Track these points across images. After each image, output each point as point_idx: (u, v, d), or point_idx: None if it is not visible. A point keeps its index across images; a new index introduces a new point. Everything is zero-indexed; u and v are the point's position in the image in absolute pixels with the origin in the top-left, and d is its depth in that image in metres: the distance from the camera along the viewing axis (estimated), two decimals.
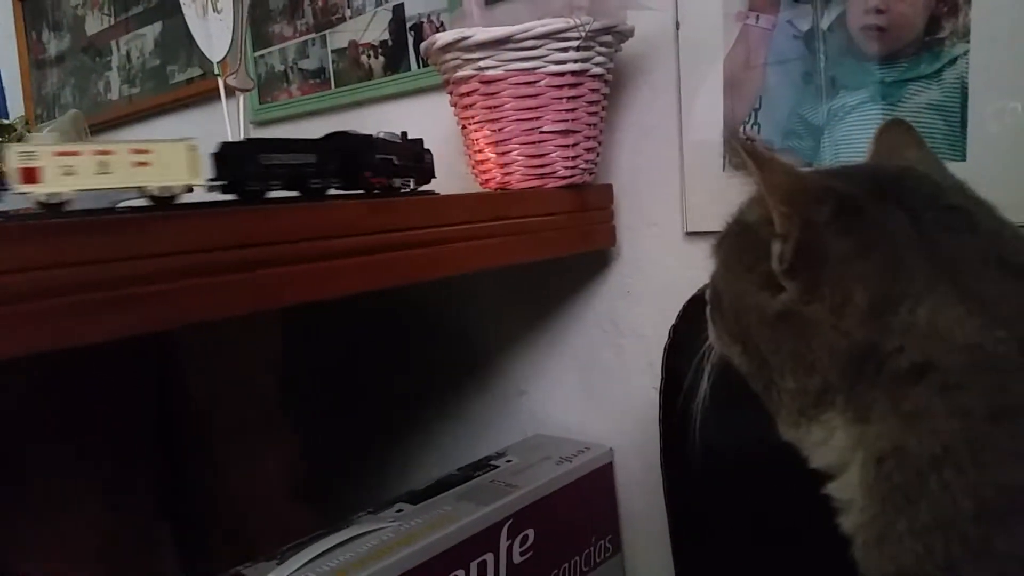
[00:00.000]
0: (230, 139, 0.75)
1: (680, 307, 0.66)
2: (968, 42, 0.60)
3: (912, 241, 0.33)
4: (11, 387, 0.68)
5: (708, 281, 0.45)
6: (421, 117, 1.00)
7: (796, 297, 0.35)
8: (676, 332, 0.61)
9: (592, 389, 0.89)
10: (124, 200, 0.82)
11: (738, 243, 0.41)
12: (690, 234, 0.77)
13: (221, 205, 0.54)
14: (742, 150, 0.36)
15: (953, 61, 0.61)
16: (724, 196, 0.73)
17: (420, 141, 0.70)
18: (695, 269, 0.75)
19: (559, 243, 0.75)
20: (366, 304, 1.06)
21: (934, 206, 0.35)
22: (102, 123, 1.52)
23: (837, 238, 0.34)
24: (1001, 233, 0.34)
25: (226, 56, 0.75)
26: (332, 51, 1.10)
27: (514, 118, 0.70)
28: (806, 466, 0.38)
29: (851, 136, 0.67)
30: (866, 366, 0.34)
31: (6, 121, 0.98)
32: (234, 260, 0.48)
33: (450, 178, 0.90)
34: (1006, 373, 0.31)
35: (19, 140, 0.94)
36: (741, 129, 0.72)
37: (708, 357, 0.44)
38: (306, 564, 0.61)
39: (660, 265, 0.80)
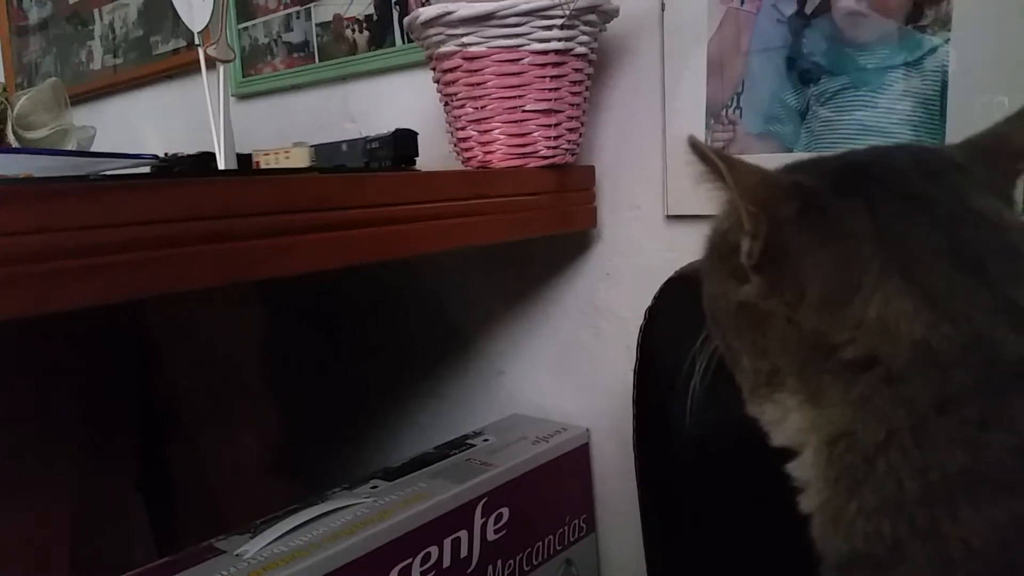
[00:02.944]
0: (211, 109, 0.75)
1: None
2: (950, 31, 0.60)
3: (868, 234, 0.34)
4: None
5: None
6: (405, 93, 0.99)
7: (758, 291, 0.37)
8: (652, 313, 0.61)
9: (570, 370, 0.89)
10: (103, 170, 0.81)
11: (715, 235, 0.42)
12: (671, 217, 0.77)
13: (196, 176, 0.53)
14: (710, 153, 0.37)
15: (934, 50, 0.61)
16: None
17: None
18: (676, 252, 0.76)
19: (539, 223, 0.75)
20: (346, 281, 1.06)
21: (895, 196, 0.35)
22: (84, 93, 1.50)
23: (799, 234, 0.35)
24: (962, 223, 0.34)
25: (207, 26, 0.74)
26: (316, 24, 1.08)
27: (496, 96, 0.69)
28: (770, 445, 0.39)
29: (832, 121, 0.67)
30: (814, 355, 0.35)
31: None
32: (207, 231, 0.47)
33: (432, 156, 0.90)
34: (948, 367, 0.32)
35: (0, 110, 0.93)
36: (723, 113, 0.72)
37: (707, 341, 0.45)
38: (279, 538, 0.61)
39: (640, 247, 0.81)
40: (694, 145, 0.39)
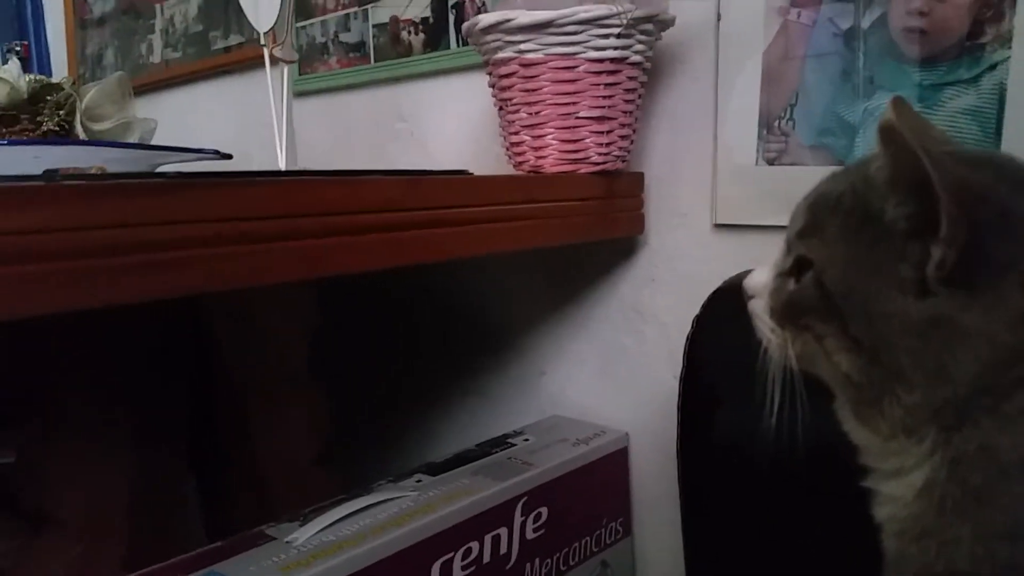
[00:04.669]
0: (274, 109, 0.77)
1: (704, 298, 0.67)
2: (1010, 49, 0.60)
3: None
4: (54, 337, 0.70)
5: (773, 275, 0.42)
6: (458, 96, 1.01)
7: (953, 304, 0.33)
8: (700, 323, 0.62)
9: (611, 374, 0.90)
10: (161, 164, 0.84)
11: (861, 239, 0.37)
12: (719, 226, 0.78)
13: (259, 175, 0.55)
14: (911, 141, 0.33)
15: (993, 67, 0.61)
16: (756, 190, 0.75)
17: None
18: (722, 261, 0.77)
19: (588, 228, 0.76)
20: (393, 279, 1.08)
21: None
22: (142, 85, 1.54)
23: (998, 241, 0.33)
24: None
25: (273, 26, 0.76)
26: (373, 25, 1.11)
27: (551, 102, 0.71)
28: (846, 461, 0.39)
29: None
30: (1006, 374, 0.33)
31: (53, 80, 1.00)
32: (270, 230, 0.49)
33: (485, 159, 0.91)
34: None
35: (68, 100, 0.96)
36: (776, 124, 0.73)
37: (769, 365, 0.42)
38: (327, 527, 0.63)
39: (687, 255, 0.81)
40: (890, 127, 0.35)
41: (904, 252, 0.35)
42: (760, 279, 0.43)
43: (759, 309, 0.43)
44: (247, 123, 1.17)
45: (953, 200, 0.32)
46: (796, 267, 0.40)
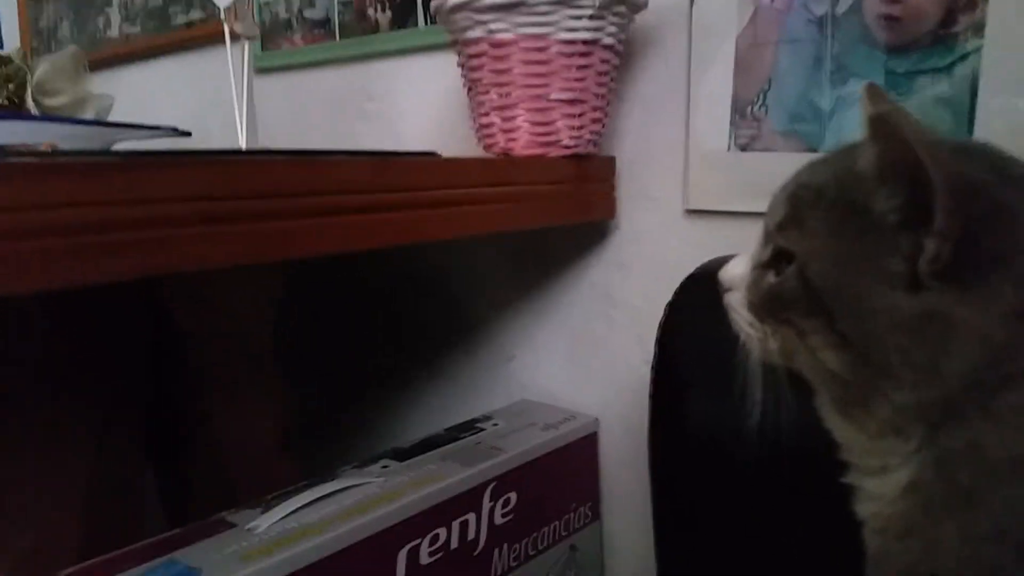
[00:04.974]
0: (234, 86, 0.75)
1: (675, 284, 0.66)
2: (982, 38, 0.60)
3: None
4: (3, 322, 0.67)
5: (749, 268, 0.41)
6: (427, 76, 0.99)
7: (945, 299, 0.33)
8: (672, 309, 0.61)
9: (581, 359, 0.90)
10: (117, 142, 0.81)
11: (847, 231, 0.36)
12: (690, 212, 0.77)
13: (221, 154, 0.53)
14: (907, 130, 0.32)
15: (965, 56, 0.61)
16: (728, 176, 0.74)
17: None
18: (693, 246, 0.76)
19: (559, 212, 0.75)
20: (359, 262, 1.06)
21: None
22: (99, 60, 1.49)
23: (991, 235, 0.32)
24: None
25: (234, 1, 0.73)
26: (339, 1, 1.08)
27: (522, 84, 0.69)
28: (825, 455, 0.38)
29: (858, 124, 0.67)
30: (996, 371, 0.32)
31: (2, 52, 0.95)
32: (232, 210, 0.48)
33: (454, 140, 0.90)
34: None
35: (18, 73, 0.92)
36: (749, 110, 0.72)
37: (747, 360, 0.41)
38: (291, 514, 0.61)
39: (658, 240, 0.81)
40: (882, 118, 0.34)
41: (894, 245, 0.34)
42: (737, 271, 0.42)
43: (736, 302, 0.41)
44: (208, 101, 1.14)
45: (949, 193, 0.31)
46: (776, 259, 0.39)
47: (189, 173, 0.46)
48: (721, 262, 0.45)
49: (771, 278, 0.39)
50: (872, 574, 0.35)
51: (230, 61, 0.75)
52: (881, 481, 0.36)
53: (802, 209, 0.38)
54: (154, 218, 0.44)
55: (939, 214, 0.31)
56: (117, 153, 0.51)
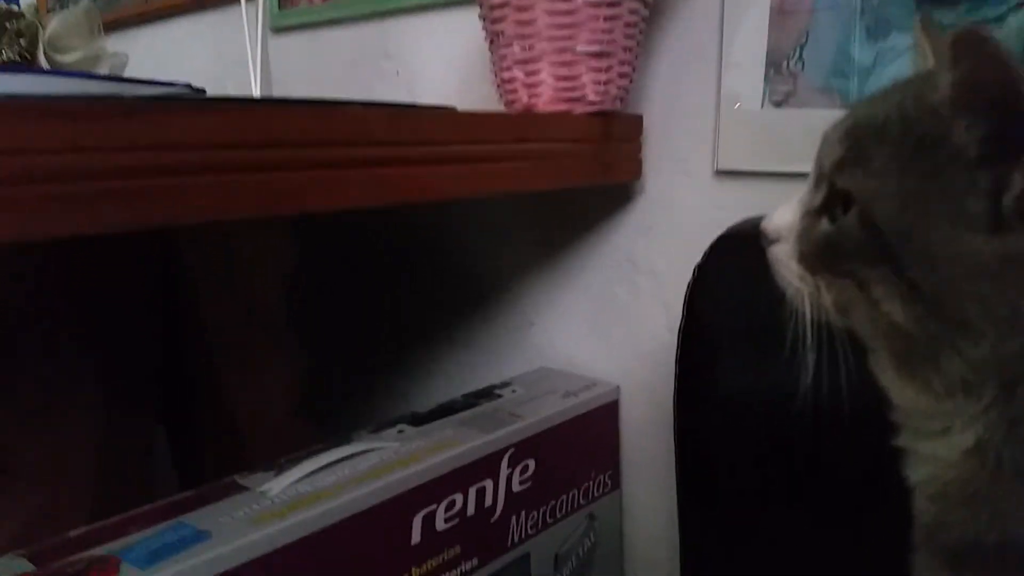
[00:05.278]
0: (248, 41, 0.72)
1: (703, 249, 0.63)
2: None
3: None
4: (15, 279, 0.66)
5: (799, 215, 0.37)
6: (446, 33, 0.96)
7: None
8: (702, 271, 0.58)
9: (602, 325, 0.88)
10: (135, 94, 0.79)
11: (918, 169, 0.32)
12: (720, 173, 0.74)
13: (227, 101, 0.51)
14: (991, 43, 0.29)
15: (1019, 5, 0.57)
16: (761, 134, 0.71)
17: None
18: (723, 209, 0.73)
19: (582, 173, 0.72)
20: (377, 223, 1.04)
21: None
22: (117, 20, 1.47)
23: None
24: None
25: None
26: None
27: (546, 35, 0.66)
28: (877, 419, 0.35)
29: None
30: None
31: (16, 8, 0.94)
32: (239, 160, 0.45)
33: (473, 100, 0.87)
34: None
35: (29, 28, 0.91)
36: (784, 65, 0.69)
37: (797, 318, 0.37)
38: (304, 477, 0.60)
39: (686, 204, 0.78)
40: (966, 36, 0.30)
41: (974, 182, 0.30)
42: (784, 219, 0.38)
43: (783, 255, 0.38)
44: (224, 62, 1.12)
45: None
46: (830, 204, 0.35)
47: (193, 120, 0.44)
48: (755, 222, 0.41)
49: (825, 225, 0.36)
50: (924, 544, 0.33)
51: (244, 17, 0.72)
52: (940, 443, 0.33)
53: (864, 146, 0.34)
54: (157, 167, 0.42)
55: None
56: (120, 98, 0.48)
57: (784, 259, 0.38)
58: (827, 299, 0.36)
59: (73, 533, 0.53)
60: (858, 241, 0.34)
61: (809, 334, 0.36)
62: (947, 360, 0.32)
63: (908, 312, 0.32)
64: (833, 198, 0.35)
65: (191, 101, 0.46)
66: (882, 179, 0.33)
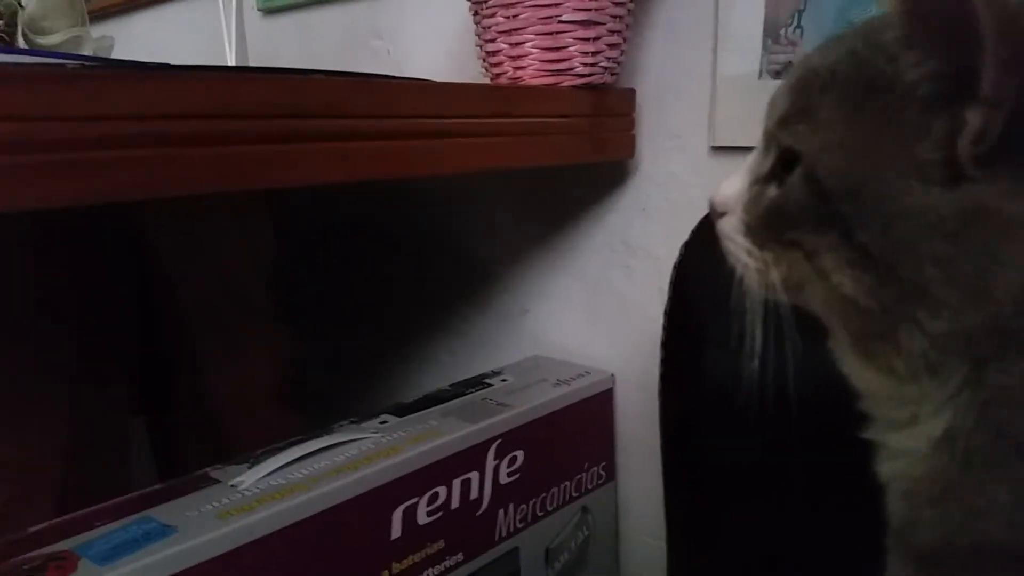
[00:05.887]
0: (223, 16, 0.69)
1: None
2: None
3: None
4: None
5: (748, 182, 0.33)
6: (437, 11, 0.93)
7: (994, 190, 0.26)
8: (689, 249, 0.55)
9: (598, 311, 0.84)
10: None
11: (866, 116, 0.29)
12: (717, 148, 0.71)
13: (183, 69, 0.48)
14: None
15: None
16: (759, 107, 0.67)
17: None
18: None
19: (572, 149, 0.69)
20: (365, 207, 1.01)
21: None
22: (104, 8, 1.45)
23: None
24: None
25: None
26: None
27: (531, 3, 0.63)
28: (846, 406, 0.32)
29: None
30: None
31: None
32: (199, 131, 0.43)
33: (465, 79, 0.84)
34: None
35: (8, 8, 0.88)
36: (782, 32, 0.65)
37: (746, 297, 0.33)
38: (278, 469, 0.58)
39: (681, 182, 0.74)
40: None
41: (927, 126, 0.26)
42: (730, 190, 0.34)
43: (730, 228, 0.34)
44: (217, 49, 1.09)
45: (1001, 38, 0.23)
46: (779, 168, 0.31)
47: (139, 87, 0.41)
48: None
49: (772, 191, 0.32)
50: (894, 548, 0.29)
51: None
52: (909, 434, 0.29)
53: (811, 96, 0.30)
54: (100, 137, 0.39)
55: (988, 70, 0.24)
56: (62, 66, 0.46)
57: (731, 233, 0.34)
58: (775, 276, 0.32)
59: (33, 529, 0.51)
60: (803, 205, 0.30)
61: (758, 314, 0.32)
62: (907, 336, 0.28)
63: (860, 282, 0.29)
64: (781, 162, 0.31)
65: (138, 68, 0.44)
66: (828, 131, 0.29)
